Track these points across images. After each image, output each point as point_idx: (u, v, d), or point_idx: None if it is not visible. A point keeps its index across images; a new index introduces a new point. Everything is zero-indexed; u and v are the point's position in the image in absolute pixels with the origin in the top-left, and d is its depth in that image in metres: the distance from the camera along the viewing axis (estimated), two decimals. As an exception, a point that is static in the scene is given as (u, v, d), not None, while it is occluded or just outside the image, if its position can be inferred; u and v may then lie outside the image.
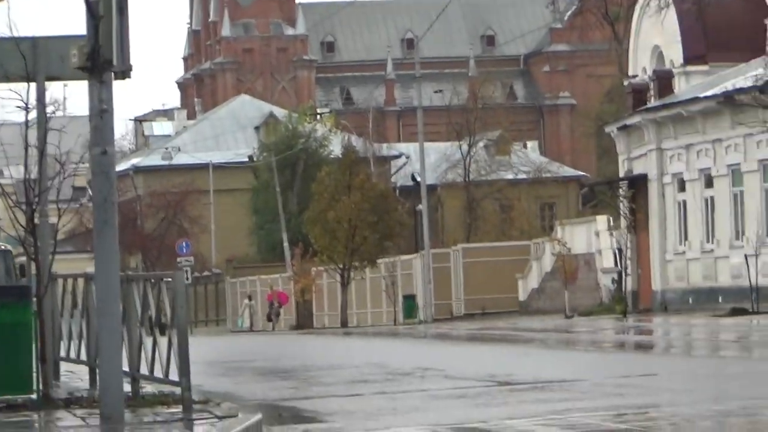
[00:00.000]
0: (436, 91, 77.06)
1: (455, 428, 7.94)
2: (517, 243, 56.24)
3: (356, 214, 49.59)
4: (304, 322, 55.96)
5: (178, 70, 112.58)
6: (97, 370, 9.09)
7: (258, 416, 8.03)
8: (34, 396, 9.01)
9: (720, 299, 33.23)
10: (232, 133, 76.39)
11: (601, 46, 64.33)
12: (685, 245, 37.43)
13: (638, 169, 39.04)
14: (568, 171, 76.92)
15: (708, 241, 36.11)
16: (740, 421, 7.85)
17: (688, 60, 40.20)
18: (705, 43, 39.10)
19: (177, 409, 8.35)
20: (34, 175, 8.97)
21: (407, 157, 69.26)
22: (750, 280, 30.53)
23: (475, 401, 10.59)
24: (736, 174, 34.40)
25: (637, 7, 38.51)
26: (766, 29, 31.68)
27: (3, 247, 17.36)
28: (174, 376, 8.69)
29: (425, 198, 52.12)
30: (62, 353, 11.95)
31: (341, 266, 51.37)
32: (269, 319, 58.83)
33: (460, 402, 10.64)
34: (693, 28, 38.53)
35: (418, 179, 55.08)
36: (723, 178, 35.21)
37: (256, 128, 74.98)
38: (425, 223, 51.57)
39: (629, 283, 39.25)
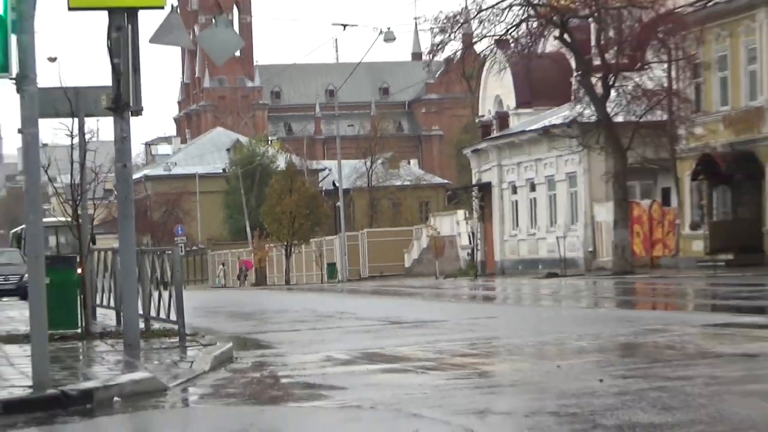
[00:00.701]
0: (349, 125, 77.45)
1: (363, 352, 7.95)
2: (404, 228, 57.63)
3: (295, 208, 50.52)
4: (260, 282, 56.51)
5: (174, 110, 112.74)
6: (121, 313, 9.56)
7: (230, 344, 8.25)
8: (78, 330, 9.41)
9: (540, 267, 33.75)
10: (211, 154, 78.03)
11: (461, 95, 65.34)
12: (516, 230, 37.98)
13: (485, 179, 39.61)
14: (438, 180, 78.95)
15: (532, 227, 36.75)
16: (553, 347, 8.07)
17: (519, 105, 41.19)
18: (530, 93, 39.95)
19: (175, 340, 8.58)
20: (77, 181, 9.40)
21: (330, 170, 69.78)
22: (560, 254, 31.17)
23: (376, 335, 10.43)
24: (551, 182, 35.10)
25: (485, 69, 38.97)
26: (571, 84, 32.41)
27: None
28: (173, 317, 9.06)
29: (342, 198, 53.16)
30: (98, 302, 11.83)
31: (285, 243, 52.34)
32: (238, 279, 59.23)
33: (366, 335, 10.50)
34: (522, 82, 39.17)
35: (337, 185, 55.43)
36: (542, 185, 35.87)
37: (228, 150, 76.57)
38: (342, 215, 52.81)
39: (479, 256, 39.77)
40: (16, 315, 14.25)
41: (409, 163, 79.91)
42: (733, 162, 26.44)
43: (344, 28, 46.63)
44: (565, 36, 28.59)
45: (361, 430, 3.64)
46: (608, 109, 27.38)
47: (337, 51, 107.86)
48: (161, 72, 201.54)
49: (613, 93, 27.71)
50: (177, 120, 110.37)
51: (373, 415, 3.83)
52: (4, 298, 23.90)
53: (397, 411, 3.82)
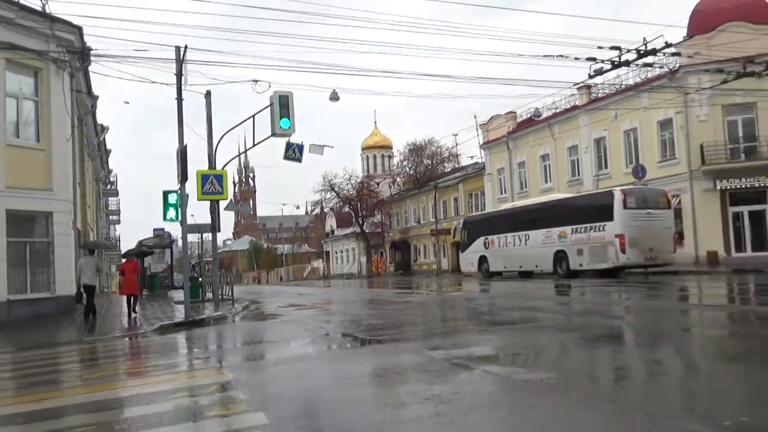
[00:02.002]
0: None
1: (290, 303, 19.88)
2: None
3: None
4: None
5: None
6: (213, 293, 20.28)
7: (247, 302, 20.00)
8: (199, 299, 20.77)
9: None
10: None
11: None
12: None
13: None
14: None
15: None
16: (350, 303, 20.20)
17: (339, 226, 54.85)
18: (343, 222, 54.07)
19: (230, 302, 19.86)
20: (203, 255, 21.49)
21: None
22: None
23: (295, 299, 22.49)
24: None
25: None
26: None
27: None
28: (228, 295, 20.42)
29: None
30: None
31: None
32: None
33: (292, 299, 22.48)
34: (339, 216, 53.80)
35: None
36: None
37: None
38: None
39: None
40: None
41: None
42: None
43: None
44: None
45: (289, 327, 14.89)
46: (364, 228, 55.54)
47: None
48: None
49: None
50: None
51: (292, 323, 15.11)
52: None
53: (300, 322, 15.35)
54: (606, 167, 34.42)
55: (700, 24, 28.76)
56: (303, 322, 13.50)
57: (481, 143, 47.08)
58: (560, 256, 25.59)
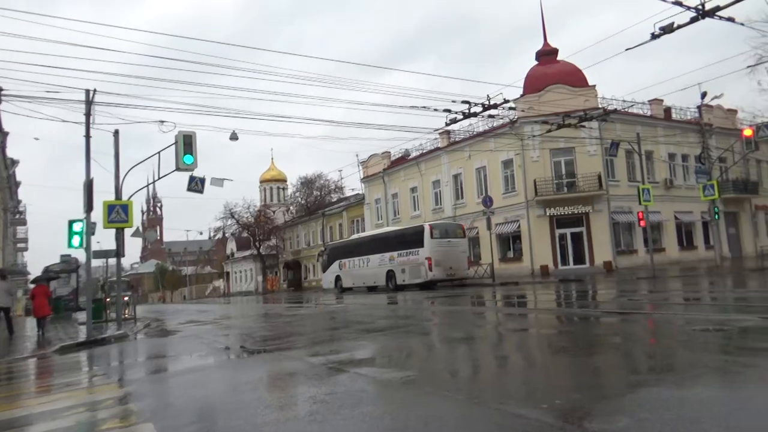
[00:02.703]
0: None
1: (188, 320, 18.92)
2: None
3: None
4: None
5: None
6: (116, 314, 18.76)
7: (149, 321, 18.62)
8: (103, 319, 18.67)
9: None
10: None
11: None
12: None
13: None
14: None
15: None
16: (246, 318, 19.63)
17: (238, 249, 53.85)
18: (242, 245, 54.39)
19: (132, 321, 18.51)
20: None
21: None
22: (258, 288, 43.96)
23: (195, 316, 21.38)
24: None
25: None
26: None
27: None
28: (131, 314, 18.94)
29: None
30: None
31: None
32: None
33: (191, 315, 21.35)
34: (239, 240, 53.58)
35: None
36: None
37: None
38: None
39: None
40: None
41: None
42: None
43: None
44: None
45: (186, 342, 14.29)
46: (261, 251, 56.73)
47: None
48: None
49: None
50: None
51: (190, 338, 14.56)
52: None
53: (197, 337, 14.73)
54: (462, 198, 35.96)
55: (532, 85, 31.02)
56: (200, 336, 12.87)
57: (361, 177, 47.72)
58: (390, 274, 28.01)
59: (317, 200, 66.27)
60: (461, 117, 17.86)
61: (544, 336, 8.33)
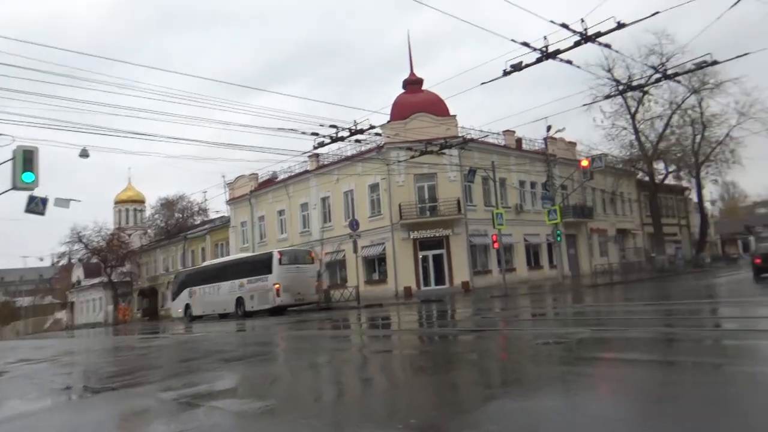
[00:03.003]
0: None
1: (21, 359, 16.64)
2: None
3: None
4: None
5: None
6: None
7: None
8: None
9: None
10: None
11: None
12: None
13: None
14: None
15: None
16: (83, 354, 17.72)
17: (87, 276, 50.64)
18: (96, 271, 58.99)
19: None
20: None
21: None
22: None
23: (31, 353, 18.88)
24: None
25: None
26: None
27: None
28: None
29: None
30: None
31: None
32: None
33: (26, 353, 18.81)
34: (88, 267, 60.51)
35: None
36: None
37: None
38: None
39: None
40: None
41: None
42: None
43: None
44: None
45: (15, 384, 12.71)
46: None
47: None
48: None
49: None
50: None
51: (20, 379, 12.31)
52: None
53: (29, 377, 13.08)
54: (330, 221, 36.12)
55: (398, 112, 32.25)
56: (33, 377, 11.39)
57: (227, 199, 46.10)
58: (240, 301, 27.93)
59: (179, 223, 62.81)
60: (329, 141, 18.00)
61: (407, 356, 8.51)
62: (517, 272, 34.28)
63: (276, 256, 26.82)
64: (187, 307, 31.78)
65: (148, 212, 69.54)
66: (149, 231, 67.31)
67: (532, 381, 5.54)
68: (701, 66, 13.70)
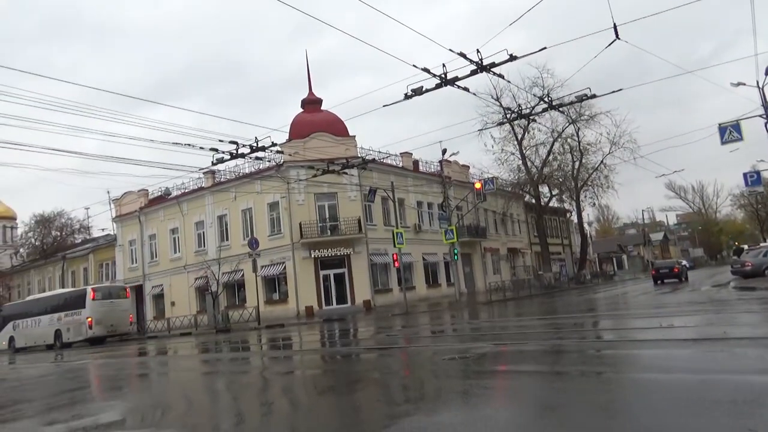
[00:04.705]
0: None
1: None
2: None
3: None
4: None
5: None
6: None
7: None
8: None
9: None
10: None
11: None
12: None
13: None
14: None
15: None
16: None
17: None
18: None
19: None
20: None
21: None
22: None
23: None
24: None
25: None
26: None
27: None
28: None
29: None
30: None
31: None
32: None
33: None
34: None
35: None
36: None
37: None
38: None
39: None
40: None
41: None
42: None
43: None
44: None
45: None
46: None
47: None
48: None
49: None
50: None
51: None
52: None
53: None
54: (227, 240, 34.99)
55: (298, 131, 32.09)
56: None
57: (113, 216, 43.23)
58: (58, 333, 28.94)
59: (56, 241, 57.78)
60: (228, 157, 17.52)
61: (310, 377, 8.41)
62: (417, 290, 35.06)
63: (89, 293, 28.65)
64: (11, 339, 32.26)
65: (20, 230, 63.48)
66: (21, 250, 61.44)
67: (435, 397, 5.70)
68: (582, 99, 14.96)
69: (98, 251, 46.31)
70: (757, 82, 18.60)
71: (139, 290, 40.30)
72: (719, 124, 17.43)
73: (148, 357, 16.64)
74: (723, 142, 17.28)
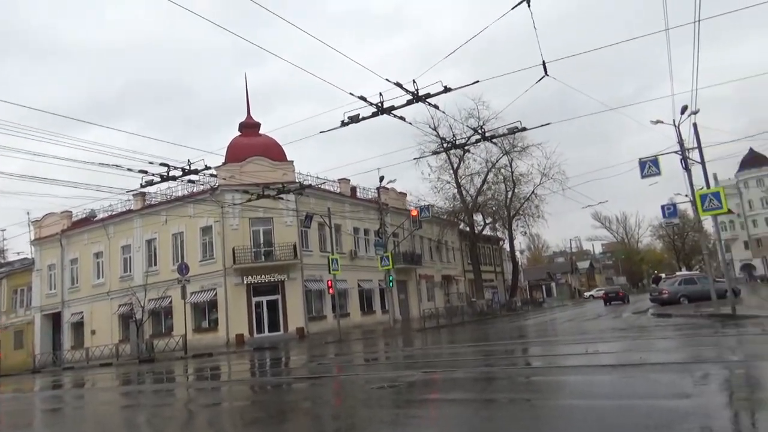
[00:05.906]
0: None
1: None
2: None
3: None
4: None
5: None
6: None
7: None
8: None
9: None
10: None
11: None
12: None
13: None
14: None
15: None
16: None
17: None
18: None
19: None
20: None
21: None
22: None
23: None
24: None
25: None
26: None
27: None
28: None
29: None
30: None
31: None
32: None
33: None
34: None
35: None
36: None
37: None
38: None
39: None
40: None
41: None
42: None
43: None
44: None
45: None
46: None
47: None
48: None
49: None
50: None
51: None
52: None
53: None
54: (156, 264, 33.60)
55: (234, 155, 31.52)
56: None
57: (32, 239, 40.65)
58: None
59: (-35, 265, 53.70)
60: (159, 180, 16.92)
61: (237, 408, 8.12)
62: (351, 317, 34.76)
63: None
64: None
65: (-76, 253, 58.56)
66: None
67: (366, 426, 5.62)
68: (513, 131, 15.51)
69: (12, 276, 43.32)
70: (674, 121, 19.95)
71: (56, 318, 37.92)
72: (639, 159, 18.48)
73: (62, 390, 15.59)
74: (643, 176, 18.32)
